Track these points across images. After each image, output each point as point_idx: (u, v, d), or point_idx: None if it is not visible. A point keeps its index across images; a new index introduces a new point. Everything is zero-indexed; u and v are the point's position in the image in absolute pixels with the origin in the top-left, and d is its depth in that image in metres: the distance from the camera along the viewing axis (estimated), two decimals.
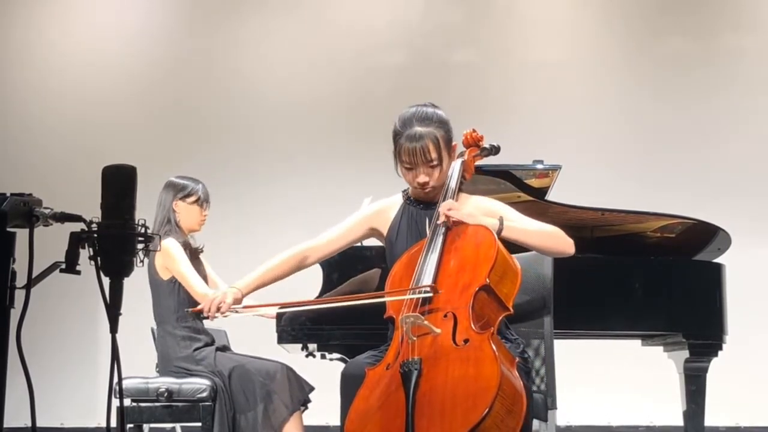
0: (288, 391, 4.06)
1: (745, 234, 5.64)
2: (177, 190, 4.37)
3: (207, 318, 3.10)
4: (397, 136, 3.08)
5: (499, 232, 2.92)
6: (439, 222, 3.00)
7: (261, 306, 3.37)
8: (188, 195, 4.37)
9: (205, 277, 4.36)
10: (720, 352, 4.26)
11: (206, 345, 4.24)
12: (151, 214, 4.32)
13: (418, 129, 3.04)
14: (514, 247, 2.98)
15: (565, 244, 3.02)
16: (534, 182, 4.18)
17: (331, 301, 2.97)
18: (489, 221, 2.95)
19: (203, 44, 7.39)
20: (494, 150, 3.23)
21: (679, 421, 4.43)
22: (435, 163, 3.06)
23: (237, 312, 3.12)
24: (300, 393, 4.09)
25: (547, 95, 7.23)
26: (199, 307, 3.17)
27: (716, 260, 4.48)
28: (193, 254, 4.35)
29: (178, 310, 4.23)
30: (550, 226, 3.06)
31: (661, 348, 4.49)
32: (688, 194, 6.80)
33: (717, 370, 4.31)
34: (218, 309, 3.07)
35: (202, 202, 4.40)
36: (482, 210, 3.07)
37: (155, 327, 4.50)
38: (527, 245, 3.01)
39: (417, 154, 3.03)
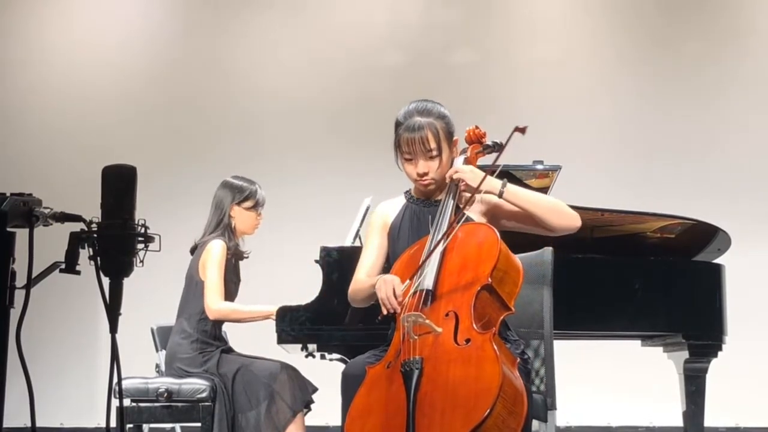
0: (290, 392, 4.04)
1: (745, 234, 5.63)
2: (234, 194, 4.31)
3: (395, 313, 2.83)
4: (397, 127, 3.13)
5: (500, 194, 3.00)
6: (446, 182, 3.08)
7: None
8: (245, 200, 4.32)
9: (239, 281, 4.35)
10: (720, 353, 4.25)
11: (215, 349, 4.21)
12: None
13: (418, 119, 3.08)
14: (514, 247, 2.98)
15: (569, 217, 3.06)
16: (534, 182, 4.17)
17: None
18: (492, 182, 3.01)
19: (204, 44, 7.39)
20: (497, 147, 3.22)
21: (679, 422, 4.43)
22: (434, 153, 3.08)
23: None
24: (303, 394, 4.07)
25: (546, 95, 7.22)
26: (383, 312, 2.85)
27: (716, 261, 4.47)
28: (238, 258, 4.32)
29: (203, 312, 4.20)
30: (554, 198, 3.11)
31: (661, 348, 4.49)
32: (688, 194, 6.80)
33: (717, 370, 4.30)
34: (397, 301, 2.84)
35: (258, 207, 4.36)
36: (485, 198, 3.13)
37: (155, 327, 4.50)
38: (529, 213, 3.03)
39: (416, 144, 3.06)
